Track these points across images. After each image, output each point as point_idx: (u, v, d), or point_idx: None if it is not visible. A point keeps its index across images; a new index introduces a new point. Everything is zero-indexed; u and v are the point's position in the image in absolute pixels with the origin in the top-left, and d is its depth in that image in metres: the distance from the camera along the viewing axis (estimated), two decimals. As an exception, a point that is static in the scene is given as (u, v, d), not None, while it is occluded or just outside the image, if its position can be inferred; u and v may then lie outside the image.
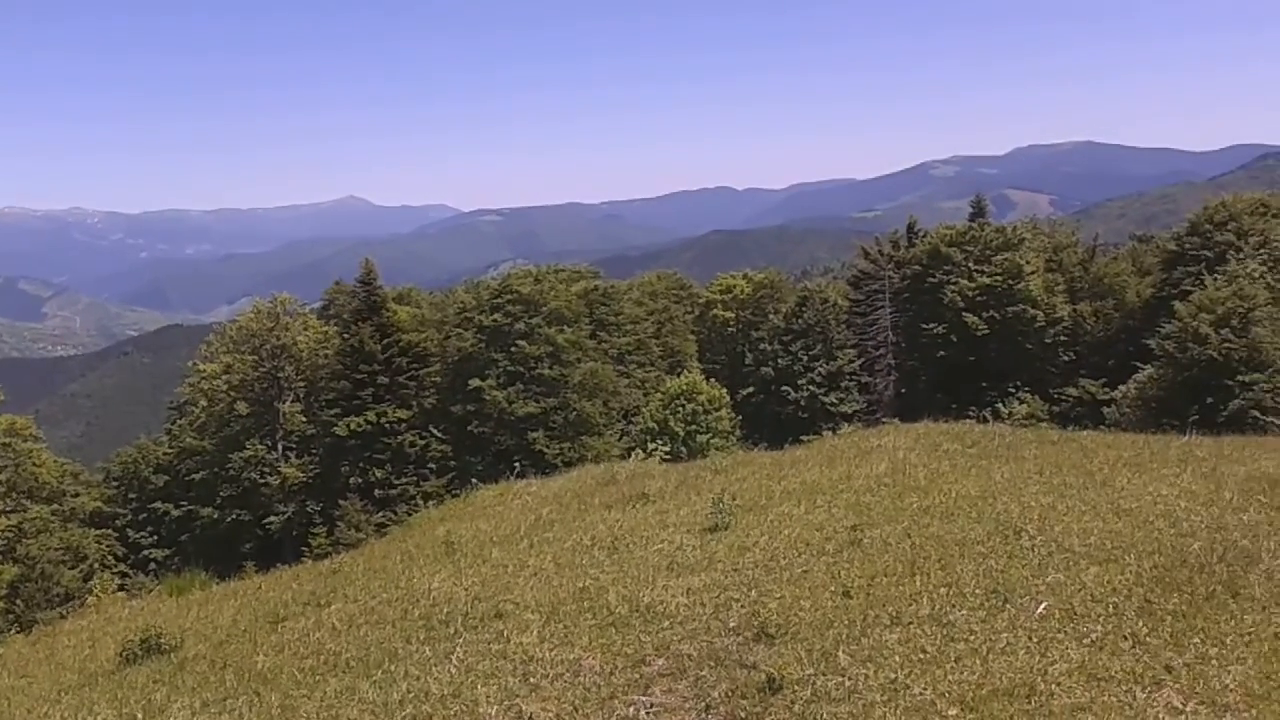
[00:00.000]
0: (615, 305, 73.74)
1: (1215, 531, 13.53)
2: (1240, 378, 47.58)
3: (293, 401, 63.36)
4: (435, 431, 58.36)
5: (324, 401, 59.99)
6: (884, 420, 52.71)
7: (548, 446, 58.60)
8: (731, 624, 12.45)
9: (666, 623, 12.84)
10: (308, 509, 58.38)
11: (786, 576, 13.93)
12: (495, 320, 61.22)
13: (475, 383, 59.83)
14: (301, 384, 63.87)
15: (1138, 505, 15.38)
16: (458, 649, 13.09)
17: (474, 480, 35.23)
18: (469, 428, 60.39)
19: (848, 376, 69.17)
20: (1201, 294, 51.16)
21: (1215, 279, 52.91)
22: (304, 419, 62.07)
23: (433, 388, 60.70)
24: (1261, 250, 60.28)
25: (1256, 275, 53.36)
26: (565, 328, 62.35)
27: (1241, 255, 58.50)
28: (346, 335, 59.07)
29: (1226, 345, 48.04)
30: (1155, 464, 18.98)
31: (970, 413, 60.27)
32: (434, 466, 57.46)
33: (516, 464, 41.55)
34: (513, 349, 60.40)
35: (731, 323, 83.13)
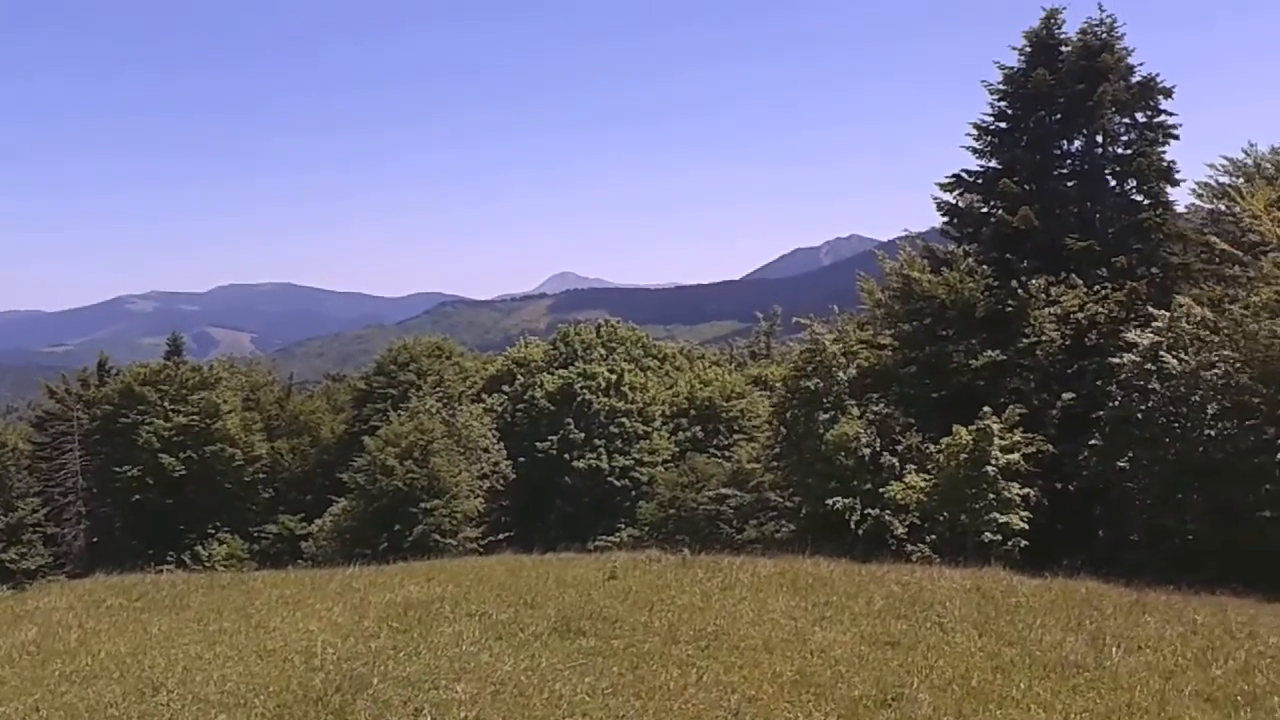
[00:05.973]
0: None
1: (344, 661, 14.40)
2: (423, 504, 51.99)
3: None
4: None
5: None
6: (74, 574, 48.57)
7: None
8: None
9: None
10: None
11: None
12: None
13: None
14: None
15: (283, 644, 15.83)
16: None
17: None
18: None
19: (30, 529, 62.54)
20: (388, 429, 55.22)
21: (400, 415, 57.68)
22: None
23: None
24: (438, 388, 67.39)
25: (434, 411, 59.21)
26: None
27: (421, 393, 64.84)
28: None
29: (410, 475, 52.26)
30: (313, 599, 19.76)
31: (169, 558, 58.19)
32: None
33: None
34: None
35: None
